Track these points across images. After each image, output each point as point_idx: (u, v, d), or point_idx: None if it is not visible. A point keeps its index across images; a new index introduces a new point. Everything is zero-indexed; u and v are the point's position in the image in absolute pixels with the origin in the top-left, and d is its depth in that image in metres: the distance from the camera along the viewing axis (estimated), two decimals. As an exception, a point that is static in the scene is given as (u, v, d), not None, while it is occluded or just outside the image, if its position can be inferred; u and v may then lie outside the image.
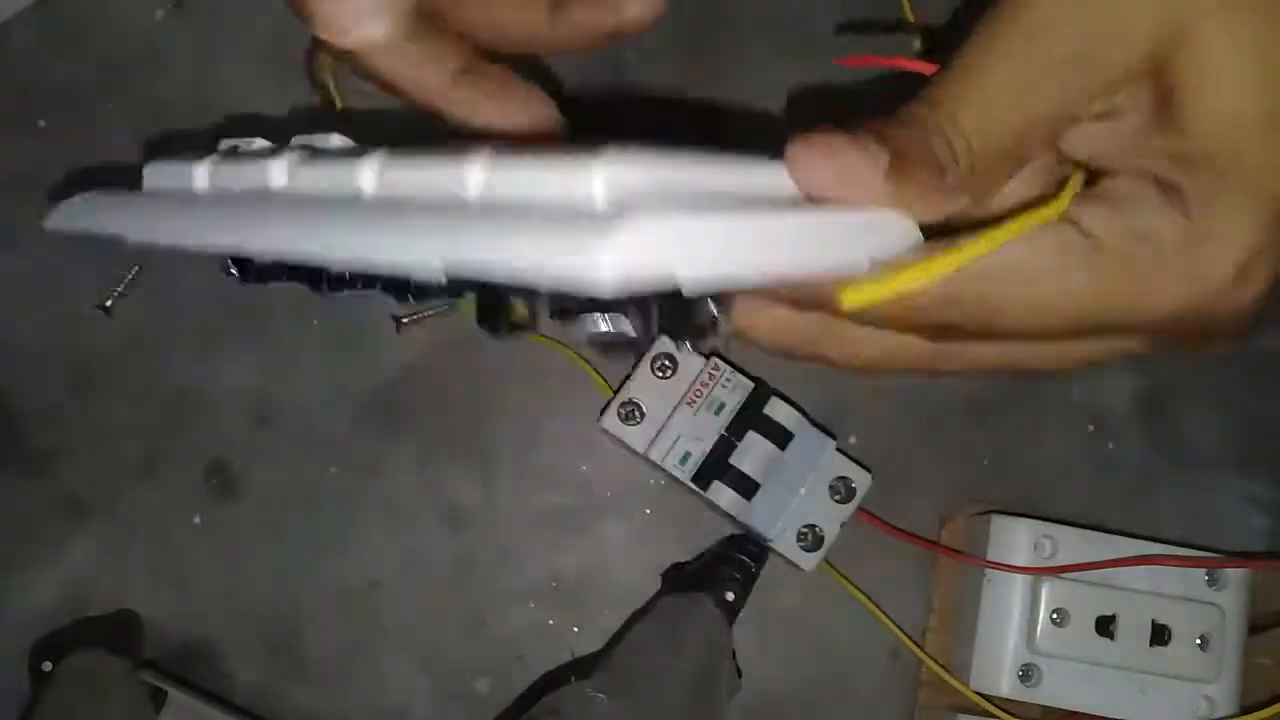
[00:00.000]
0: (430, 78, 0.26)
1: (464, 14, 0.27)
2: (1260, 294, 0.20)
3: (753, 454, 0.47)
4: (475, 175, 0.19)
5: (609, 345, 0.23)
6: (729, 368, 0.48)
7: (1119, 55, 0.19)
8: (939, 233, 0.20)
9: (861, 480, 0.48)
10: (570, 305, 0.23)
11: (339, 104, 0.50)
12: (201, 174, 0.26)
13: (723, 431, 0.47)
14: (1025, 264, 0.19)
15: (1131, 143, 0.20)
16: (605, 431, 0.48)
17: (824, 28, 0.52)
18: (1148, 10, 0.19)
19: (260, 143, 0.27)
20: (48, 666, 0.47)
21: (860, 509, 0.48)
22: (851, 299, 0.19)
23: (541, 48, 0.28)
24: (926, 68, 0.21)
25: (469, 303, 0.26)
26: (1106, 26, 0.19)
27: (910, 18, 0.51)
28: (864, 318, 0.20)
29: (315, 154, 0.24)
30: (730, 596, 0.48)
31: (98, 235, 0.26)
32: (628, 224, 0.15)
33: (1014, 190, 0.22)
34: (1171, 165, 0.19)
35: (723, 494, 0.47)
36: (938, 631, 0.50)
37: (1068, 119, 0.20)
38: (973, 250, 0.19)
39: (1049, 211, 0.19)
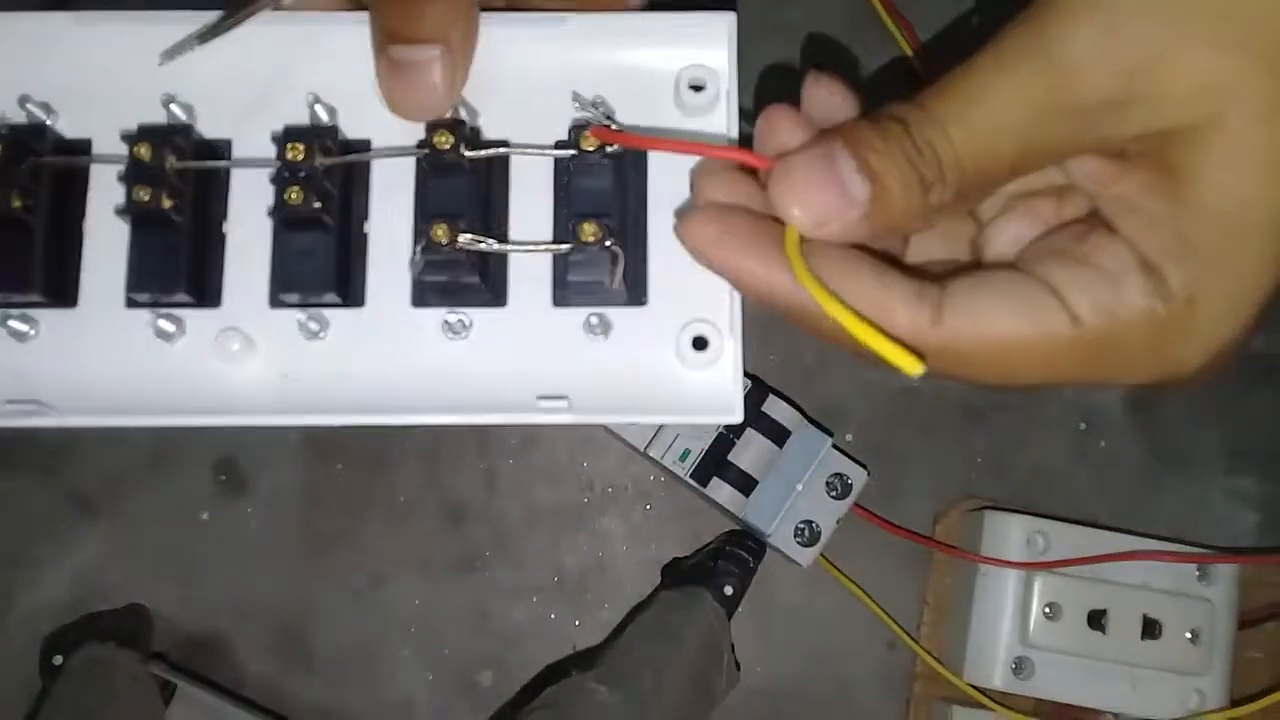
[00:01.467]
0: None
1: None
2: (1230, 360, 0.20)
3: (751, 451, 0.48)
4: None
5: None
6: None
7: (1149, 117, 0.18)
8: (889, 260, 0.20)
9: (858, 477, 0.48)
10: None
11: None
12: None
13: (721, 429, 0.48)
14: (1008, 347, 0.19)
15: (1134, 195, 0.19)
16: (605, 429, 0.49)
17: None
18: (1193, 82, 0.18)
19: None
20: (58, 660, 0.48)
21: (856, 505, 0.49)
22: None
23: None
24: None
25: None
26: (1144, 87, 0.18)
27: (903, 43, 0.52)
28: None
29: None
30: (729, 591, 0.49)
31: None
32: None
33: (928, 246, 0.22)
34: (1163, 244, 0.19)
35: (721, 490, 0.48)
36: (932, 625, 0.51)
37: (1071, 154, 0.20)
38: None
39: (906, 363, 0.18)
